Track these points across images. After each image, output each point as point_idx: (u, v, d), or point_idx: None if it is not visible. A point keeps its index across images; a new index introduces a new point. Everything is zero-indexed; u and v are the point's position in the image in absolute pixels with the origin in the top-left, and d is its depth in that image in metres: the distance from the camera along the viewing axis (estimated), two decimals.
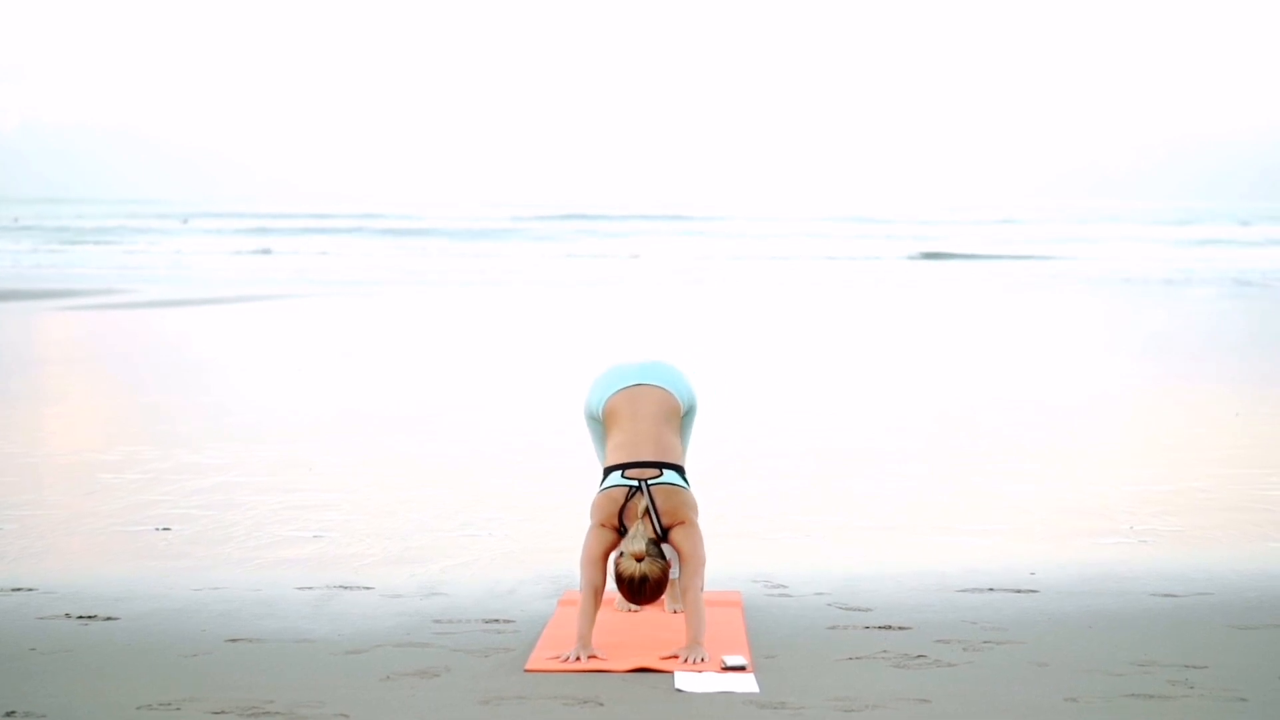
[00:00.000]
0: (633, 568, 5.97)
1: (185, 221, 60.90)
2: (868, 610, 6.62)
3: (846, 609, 6.64)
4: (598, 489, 6.29)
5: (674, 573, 6.59)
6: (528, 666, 5.69)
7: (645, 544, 6.00)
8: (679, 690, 5.42)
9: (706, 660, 5.76)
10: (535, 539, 8.13)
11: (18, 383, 15.34)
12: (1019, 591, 7.00)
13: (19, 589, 6.93)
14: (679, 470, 6.28)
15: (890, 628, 6.32)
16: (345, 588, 7.03)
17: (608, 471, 6.30)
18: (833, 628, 6.33)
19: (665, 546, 6.16)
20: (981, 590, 7.02)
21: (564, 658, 5.79)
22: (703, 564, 6.12)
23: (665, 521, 6.14)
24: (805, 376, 16.33)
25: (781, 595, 6.91)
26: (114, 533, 8.22)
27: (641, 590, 5.97)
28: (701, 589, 6.06)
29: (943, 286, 34.51)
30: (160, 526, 8.36)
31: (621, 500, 6.17)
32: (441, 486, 9.67)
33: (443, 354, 18.93)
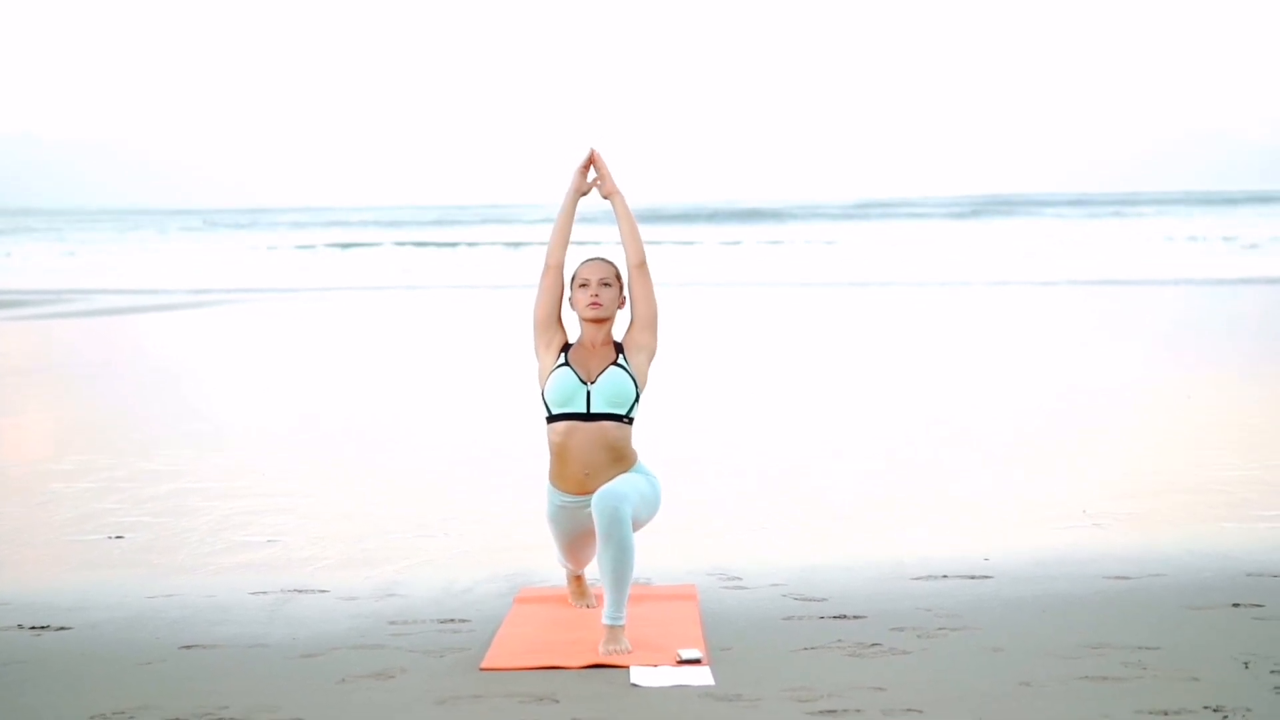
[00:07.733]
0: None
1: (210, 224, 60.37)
2: (823, 600, 6.64)
3: (802, 599, 6.66)
4: None
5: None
6: (483, 665, 5.68)
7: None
8: (634, 685, 5.43)
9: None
10: (491, 538, 8.12)
11: None
12: (973, 578, 7.03)
13: None
14: None
15: (845, 617, 6.34)
16: (300, 591, 7.01)
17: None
18: (788, 618, 6.34)
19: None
20: (936, 577, 7.05)
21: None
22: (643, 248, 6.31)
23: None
24: (763, 374, 16.35)
25: (736, 587, 6.92)
26: (66, 542, 8.17)
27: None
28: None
29: (919, 284, 34.58)
30: (113, 535, 8.31)
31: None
32: (397, 488, 9.64)
33: (398, 358, 18.87)
